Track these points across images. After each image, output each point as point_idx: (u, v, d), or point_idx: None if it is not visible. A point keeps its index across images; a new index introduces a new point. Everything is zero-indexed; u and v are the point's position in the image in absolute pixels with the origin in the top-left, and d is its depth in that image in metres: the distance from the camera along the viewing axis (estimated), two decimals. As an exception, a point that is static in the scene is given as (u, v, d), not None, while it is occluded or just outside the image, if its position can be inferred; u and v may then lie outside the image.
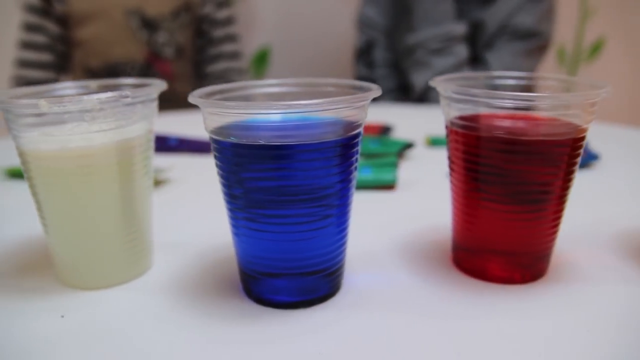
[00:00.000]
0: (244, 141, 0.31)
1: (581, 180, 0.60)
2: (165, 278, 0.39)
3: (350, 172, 0.34)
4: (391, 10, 1.22)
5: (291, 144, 0.31)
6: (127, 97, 0.34)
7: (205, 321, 0.33)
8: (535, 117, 0.36)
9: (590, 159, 0.65)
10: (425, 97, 1.15)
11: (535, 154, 0.35)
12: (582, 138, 0.36)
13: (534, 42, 1.13)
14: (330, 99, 0.30)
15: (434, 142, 0.75)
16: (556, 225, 0.38)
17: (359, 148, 0.35)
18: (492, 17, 1.12)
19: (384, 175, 0.56)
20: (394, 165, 0.58)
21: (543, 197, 0.36)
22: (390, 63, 1.22)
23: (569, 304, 0.35)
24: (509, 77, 0.41)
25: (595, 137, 0.69)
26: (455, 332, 0.32)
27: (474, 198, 0.37)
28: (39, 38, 1.12)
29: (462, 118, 0.36)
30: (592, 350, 0.30)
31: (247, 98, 0.38)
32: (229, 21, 1.25)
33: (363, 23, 1.25)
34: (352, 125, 0.33)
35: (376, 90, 0.33)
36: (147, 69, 1.14)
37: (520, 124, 0.35)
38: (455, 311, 0.34)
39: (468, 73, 0.41)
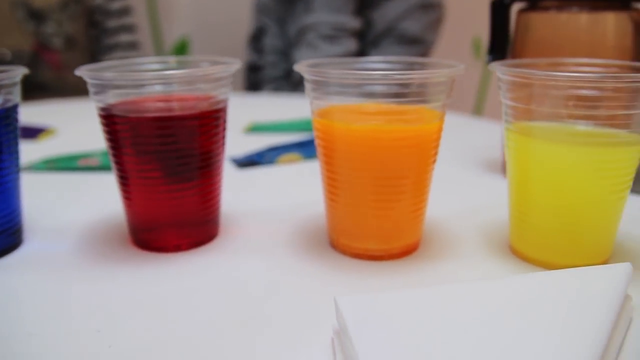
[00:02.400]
0: None
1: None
2: None
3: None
4: None
5: None
6: None
7: None
8: (177, 97, 0.38)
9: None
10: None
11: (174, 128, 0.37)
12: (215, 111, 0.38)
13: (416, 49, 1.15)
14: None
15: (254, 129, 0.77)
16: (207, 194, 0.40)
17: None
18: (381, 17, 1.15)
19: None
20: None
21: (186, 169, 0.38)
22: (279, 50, 1.24)
23: (203, 270, 0.38)
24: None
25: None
26: (102, 295, 0.35)
27: (124, 181, 0.40)
28: None
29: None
30: (182, 312, 0.33)
31: None
32: (124, 12, 1.27)
33: (257, 8, 1.27)
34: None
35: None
36: (34, 59, 1.16)
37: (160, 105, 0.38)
38: (102, 277, 0.37)
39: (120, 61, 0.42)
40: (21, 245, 0.42)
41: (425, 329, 0.25)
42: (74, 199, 0.53)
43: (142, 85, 0.37)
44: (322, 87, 0.36)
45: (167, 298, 0.34)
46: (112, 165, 0.40)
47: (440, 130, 0.37)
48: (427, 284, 0.36)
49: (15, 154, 0.41)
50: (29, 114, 0.89)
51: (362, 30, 1.16)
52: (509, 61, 0.38)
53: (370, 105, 0.36)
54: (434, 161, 0.38)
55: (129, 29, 1.27)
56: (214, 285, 0.36)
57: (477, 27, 1.69)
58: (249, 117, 0.84)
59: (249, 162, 0.61)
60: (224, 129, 0.41)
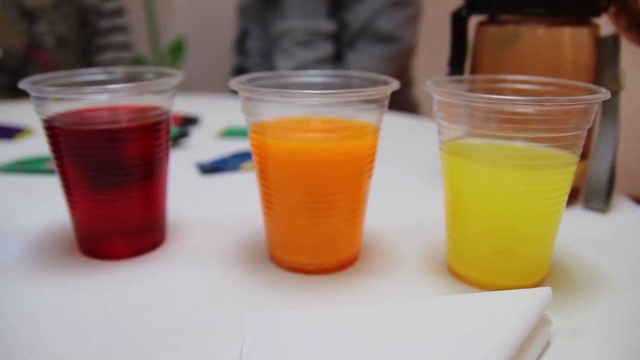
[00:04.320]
0: None
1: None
2: None
3: None
4: None
5: None
6: None
7: None
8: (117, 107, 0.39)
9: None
10: None
11: (114, 140, 0.38)
12: (156, 123, 0.39)
13: (392, 47, 1.15)
14: None
15: (228, 133, 0.77)
16: (148, 204, 0.41)
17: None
18: (355, 17, 1.15)
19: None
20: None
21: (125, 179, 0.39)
22: (263, 52, 1.25)
23: (140, 279, 0.38)
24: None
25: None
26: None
27: (66, 191, 0.40)
28: None
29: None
30: (105, 320, 0.34)
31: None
32: (117, 12, 1.28)
33: (240, 11, 1.28)
34: None
35: None
36: (26, 58, 1.18)
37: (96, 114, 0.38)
38: (36, 284, 0.38)
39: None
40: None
41: (319, 351, 0.25)
42: (34, 202, 0.54)
43: (83, 98, 0.38)
44: (254, 103, 0.36)
45: (98, 305, 0.35)
46: (57, 174, 0.40)
47: (375, 145, 0.37)
48: (357, 300, 0.36)
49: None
50: (12, 113, 0.91)
51: (337, 32, 1.17)
52: (439, 78, 0.38)
53: (305, 120, 0.36)
54: (369, 176, 0.38)
55: (121, 29, 1.28)
56: (147, 294, 0.36)
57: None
58: (227, 121, 0.84)
59: (212, 168, 0.61)
60: (167, 139, 0.41)
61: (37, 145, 0.73)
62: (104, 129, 0.37)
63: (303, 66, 1.11)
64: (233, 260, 0.41)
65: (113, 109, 0.38)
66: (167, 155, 0.42)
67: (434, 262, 0.41)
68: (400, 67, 1.19)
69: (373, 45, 1.14)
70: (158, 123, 0.39)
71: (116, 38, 1.27)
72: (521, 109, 0.32)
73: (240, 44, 1.27)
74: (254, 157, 0.38)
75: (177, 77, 0.39)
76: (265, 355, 0.25)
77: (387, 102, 0.36)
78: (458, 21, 0.52)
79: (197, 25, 1.68)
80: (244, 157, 0.63)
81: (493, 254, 0.37)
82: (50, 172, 0.61)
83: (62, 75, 0.41)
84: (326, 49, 1.13)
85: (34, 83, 0.39)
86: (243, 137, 0.75)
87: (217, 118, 0.88)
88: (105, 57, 1.26)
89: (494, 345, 0.26)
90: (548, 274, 0.39)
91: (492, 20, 0.52)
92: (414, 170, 0.64)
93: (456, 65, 0.53)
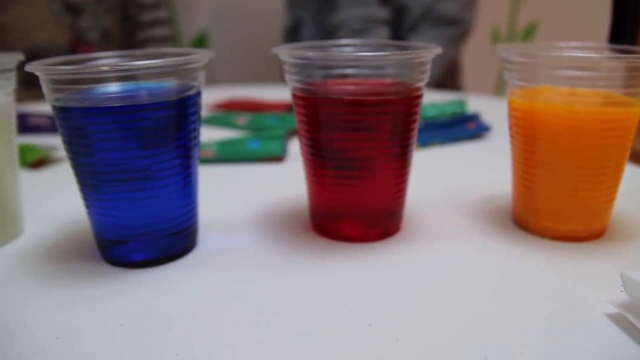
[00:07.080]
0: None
1: (468, 150, 0.64)
2: (28, 244, 0.40)
3: (182, 142, 0.36)
4: None
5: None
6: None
7: (60, 282, 0.35)
8: (373, 81, 0.38)
9: (482, 129, 0.69)
10: None
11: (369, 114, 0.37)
12: (417, 97, 0.38)
13: (455, 29, 1.17)
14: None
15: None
16: (400, 184, 0.40)
17: (195, 115, 0.37)
18: (417, 2, 1.16)
19: (271, 147, 0.58)
20: (280, 138, 0.60)
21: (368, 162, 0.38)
22: None
23: (412, 259, 0.38)
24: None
25: (494, 111, 0.72)
26: (301, 285, 0.34)
27: (317, 165, 0.39)
28: (-42, 22, 1.09)
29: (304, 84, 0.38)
30: (430, 300, 0.33)
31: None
32: (157, 5, 1.24)
33: (292, 2, 1.27)
34: (184, 88, 0.35)
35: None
36: (71, 53, 1.13)
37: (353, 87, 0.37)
38: (304, 267, 0.36)
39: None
40: (198, 244, 0.40)
41: None
42: (215, 192, 0.52)
43: (338, 67, 0.37)
44: (530, 69, 0.37)
45: (400, 285, 0.34)
46: (304, 148, 0.39)
47: (638, 116, 0.38)
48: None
49: (199, 144, 0.40)
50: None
51: (394, 19, 1.18)
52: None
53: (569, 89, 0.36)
54: (630, 146, 0.39)
55: (161, 22, 1.25)
56: (428, 272, 0.36)
57: (494, 17, 1.72)
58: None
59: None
60: (419, 117, 0.40)
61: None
62: (361, 100, 0.36)
63: None
64: (485, 232, 0.41)
65: (386, 83, 0.37)
66: (416, 133, 0.41)
67: None
68: (460, 50, 1.22)
69: (437, 29, 1.16)
70: (417, 97, 0.39)
71: (157, 31, 1.24)
72: None
73: (293, 34, 1.26)
74: (515, 122, 0.39)
75: (435, 49, 0.38)
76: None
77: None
78: (630, -4, 0.53)
79: (219, 19, 1.64)
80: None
81: None
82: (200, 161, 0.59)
83: (313, 45, 0.41)
84: (382, 33, 1.14)
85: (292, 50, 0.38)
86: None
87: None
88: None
89: None
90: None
91: (659, -5, 0.53)
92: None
93: (622, 39, 0.55)
